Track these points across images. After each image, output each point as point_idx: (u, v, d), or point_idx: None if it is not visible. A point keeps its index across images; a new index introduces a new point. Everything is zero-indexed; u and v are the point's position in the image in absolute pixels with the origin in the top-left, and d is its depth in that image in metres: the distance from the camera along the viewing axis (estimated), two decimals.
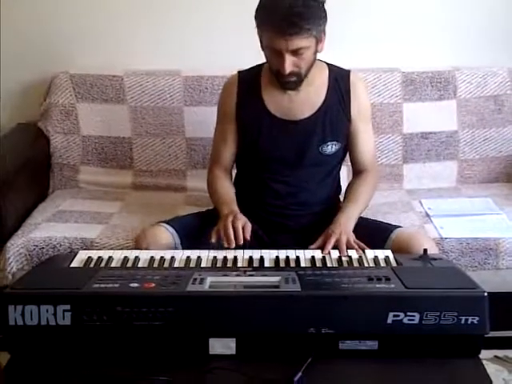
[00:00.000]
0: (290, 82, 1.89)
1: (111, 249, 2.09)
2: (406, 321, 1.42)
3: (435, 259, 1.70)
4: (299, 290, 1.47)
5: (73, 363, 1.45)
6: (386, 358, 1.45)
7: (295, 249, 1.79)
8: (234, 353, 1.45)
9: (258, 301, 1.45)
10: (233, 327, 1.45)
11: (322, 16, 1.82)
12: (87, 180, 2.63)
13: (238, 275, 1.58)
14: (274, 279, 1.53)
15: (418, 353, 1.46)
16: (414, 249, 1.82)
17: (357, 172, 2.07)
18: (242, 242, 1.77)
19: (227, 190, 2.01)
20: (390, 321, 1.42)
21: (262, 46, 1.89)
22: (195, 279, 1.53)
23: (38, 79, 2.72)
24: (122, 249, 2.04)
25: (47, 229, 2.21)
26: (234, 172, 2.16)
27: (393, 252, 1.78)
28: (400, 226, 1.97)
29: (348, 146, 2.05)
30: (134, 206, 2.45)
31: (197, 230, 1.90)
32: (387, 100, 2.58)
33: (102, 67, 2.63)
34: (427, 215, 2.31)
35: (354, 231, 1.89)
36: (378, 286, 1.49)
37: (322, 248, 1.79)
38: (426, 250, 1.73)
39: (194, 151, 2.59)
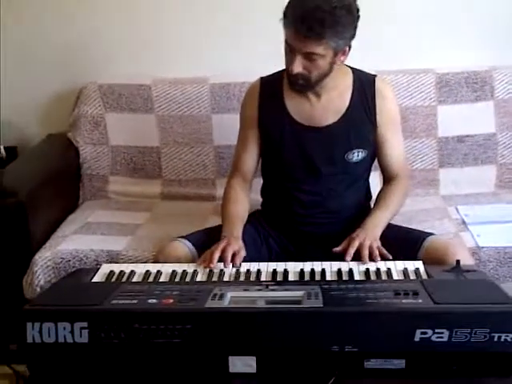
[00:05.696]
0: (297, 84, 1.84)
1: (137, 261, 2.08)
2: (434, 338, 1.35)
3: (469, 271, 1.62)
4: (321, 305, 1.41)
5: (91, 381, 1.43)
6: (413, 377, 1.39)
7: (322, 259, 1.73)
8: (254, 371, 1.41)
9: (279, 317, 1.40)
10: (253, 345, 1.40)
11: (349, 28, 1.74)
12: (116, 190, 2.63)
13: (259, 290, 1.53)
14: (297, 294, 1.48)
15: (447, 372, 1.38)
16: (448, 258, 1.74)
17: (387, 179, 2.00)
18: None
19: (237, 205, 1.95)
20: (417, 338, 1.35)
21: None
22: (215, 295, 1.48)
23: (68, 90, 2.74)
24: (147, 261, 2.03)
25: (74, 241, 2.20)
26: (261, 182, 2.10)
27: (424, 262, 1.71)
28: (433, 234, 1.89)
29: (376, 153, 1.98)
30: (162, 216, 2.43)
31: (215, 243, 1.84)
32: (421, 103, 2.50)
33: (131, 76, 2.62)
34: (463, 222, 2.22)
35: (385, 239, 1.82)
36: (404, 301, 1.42)
37: (345, 251, 1.73)
38: (458, 262, 1.65)
39: (223, 159, 2.56)
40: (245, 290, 1.53)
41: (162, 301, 1.46)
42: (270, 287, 1.54)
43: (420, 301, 1.41)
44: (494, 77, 2.49)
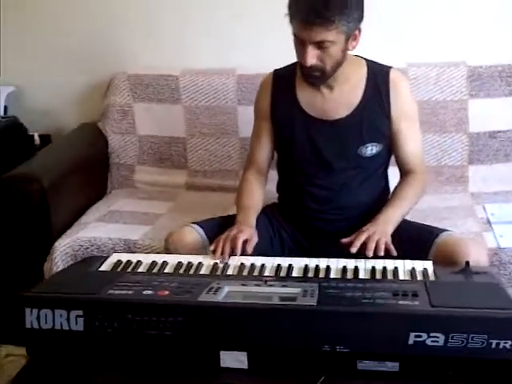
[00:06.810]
0: (313, 77, 1.80)
1: (152, 251, 2.09)
2: (429, 342, 1.30)
3: (478, 273, 1.56)
4: (314, 304, 1.38)
5: (86, 369, 1.44)
6: (408, 381, 1.34)
7: (336, 257, 1.68)
8: (246, 367, 1.40)
9: (270, 314, 1.38)
10: (244, 340, 1.38)
11: (355, 10, 1.70)
12: (143, 180, 2.65)
13: (257, 285, 1.51)
14: (293, 291, 1.45)
15: (443, 377, 1.33)
16: (460, 257, 1.67)
17: (403, 174, 1.95)
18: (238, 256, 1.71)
19: (252, 196, 1.93)
20: (411, 341, 1.31)
21: None
22: (211, 288, 1.47)
23: (101, 80, 2.77)
24: (162, 251, 2.04)
25: (95, 229, 2.24)
26: (277, 177, 2.08)
27: (437, 259, 1.66)
28: (448, 230, 1.83)
29: (392, 147, 1.93)
30: (184, 206, 2.44)
31: (226, 229, 1.83)
32: (451, 97, 2.41)
33: (159, 67, 2.64)
34: (488, 222, 2.13)
35: (398, 235, 1.77)
36: (400, 302, 1.37)
37: (352, 243, 1.70)
38: (468, 263, 1.58)
39: (248, 151, 2.53)
40: (242, 284, 1.52)
41: (158, 292, 1.46)
42: (269, 283, 1.52)
43: (416, 303, 1.36)
44: None
